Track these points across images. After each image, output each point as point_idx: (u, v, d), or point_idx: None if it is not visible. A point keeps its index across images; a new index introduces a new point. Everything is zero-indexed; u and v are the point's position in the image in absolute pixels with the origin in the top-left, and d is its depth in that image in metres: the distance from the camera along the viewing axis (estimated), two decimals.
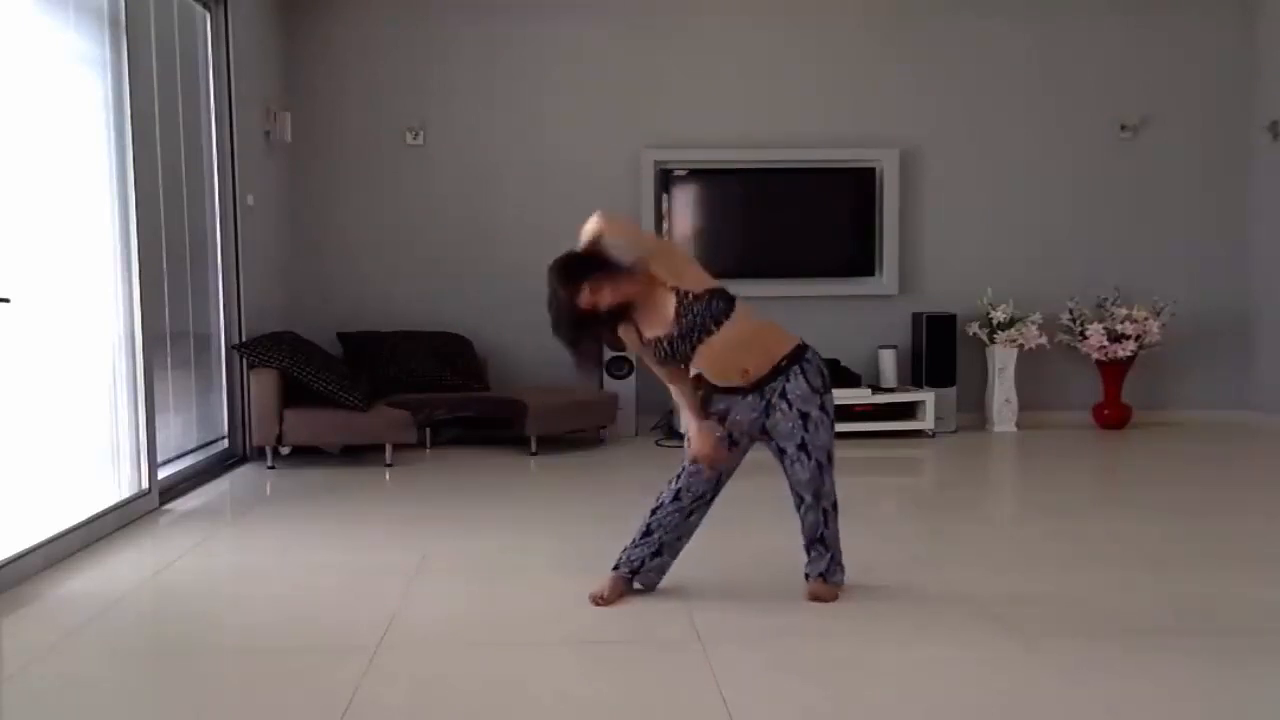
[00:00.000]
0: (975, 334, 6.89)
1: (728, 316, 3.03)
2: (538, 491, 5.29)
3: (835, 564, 3.24)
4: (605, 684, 2.65)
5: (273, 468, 5.65)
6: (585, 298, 2.96)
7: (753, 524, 4.03)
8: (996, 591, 3.33)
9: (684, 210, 6.97)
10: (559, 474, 5.62)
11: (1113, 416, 6.93)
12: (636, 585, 3.28)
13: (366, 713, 2.45)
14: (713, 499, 3.25)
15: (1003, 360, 6.87)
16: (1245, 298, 7.15)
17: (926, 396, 6.68)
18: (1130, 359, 6.82)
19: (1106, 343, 6.77)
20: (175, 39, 5.24)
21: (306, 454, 5.94)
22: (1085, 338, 6.82)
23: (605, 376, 6.64)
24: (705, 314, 3.01)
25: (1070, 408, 7.07)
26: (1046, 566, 3.67)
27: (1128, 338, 6.74)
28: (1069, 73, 7.05)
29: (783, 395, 3.11)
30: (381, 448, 5.75)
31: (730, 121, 6.92)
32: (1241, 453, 6.25)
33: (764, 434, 3.18)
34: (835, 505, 3.21)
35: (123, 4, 4.43)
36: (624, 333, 3.13)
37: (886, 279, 6.99)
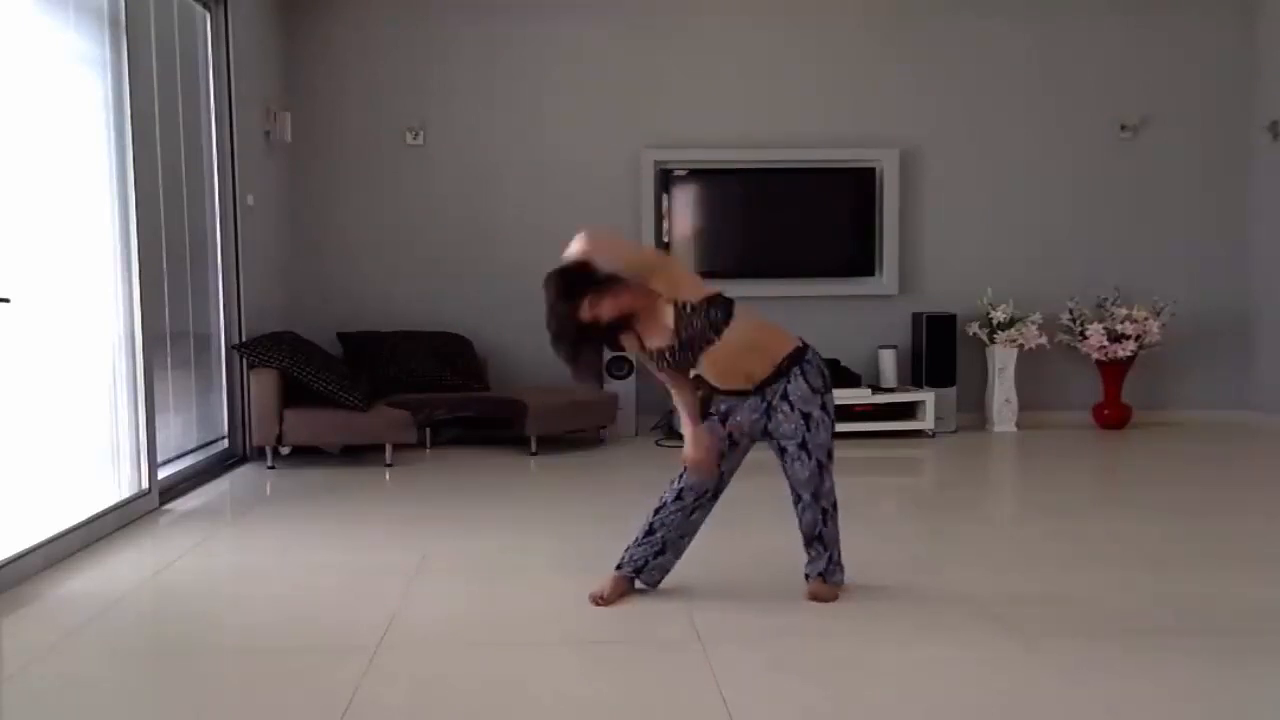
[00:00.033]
0: (975, 334, 6.89)
1: (727, 324, 3.03)
2: (538, 491, 5.29)
3: (835, 564, 3.24)
4: (605, 684, 2.65)
5: (273, 468, 5.65)
6: (586, 312, 2.95)
7: (753, 524, 4.03)
8: (996, 591, 3.33)
9: (684, 210, 6.97)
10: (559, 474, 5.62)
11: (1113, 416, 6.93)
12: (639, 585, 3.28)
13: (366, 713, 2.45)
14: (715, 497, 3.26)
15: (1003, 360, 6.87)
16: (1245, 298, 7.15)
17: (926, 396, 6.68)
18: (1130, 359, 6.82)
19: (1106, 343, 6.77)
20: (175, 39, 5.24)
21: (306, 454, 5.94)
22: (1085, 338, 6.82)
23: (605, 376, 6.64)
24: (705, 323, 3.02)
25: (1070, 408, 7.08)
26: (1046, 566, 3.67)
27: (1128, 338, 6.74)
28: (1069, 73, 7.05)
29: (784, 397, 3.12)
30: (381, 448, 5.75)
31: (730, 121, 6.92)
32: (1241, 453, 6.25)
33: (765, 434, 3.19)
34: (835, 505, 3.22)
35: (123, 4, 4.43)
36: (626, 341, 3.13)
37: (886, 279, 6.99)
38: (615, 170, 6.88)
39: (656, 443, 6.42)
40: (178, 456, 5.22)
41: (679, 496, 3.21)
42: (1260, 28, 7.03)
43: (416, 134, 6.80)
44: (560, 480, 5.48)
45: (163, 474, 4.77)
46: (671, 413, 6.38)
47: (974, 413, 7.00)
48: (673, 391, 3.20)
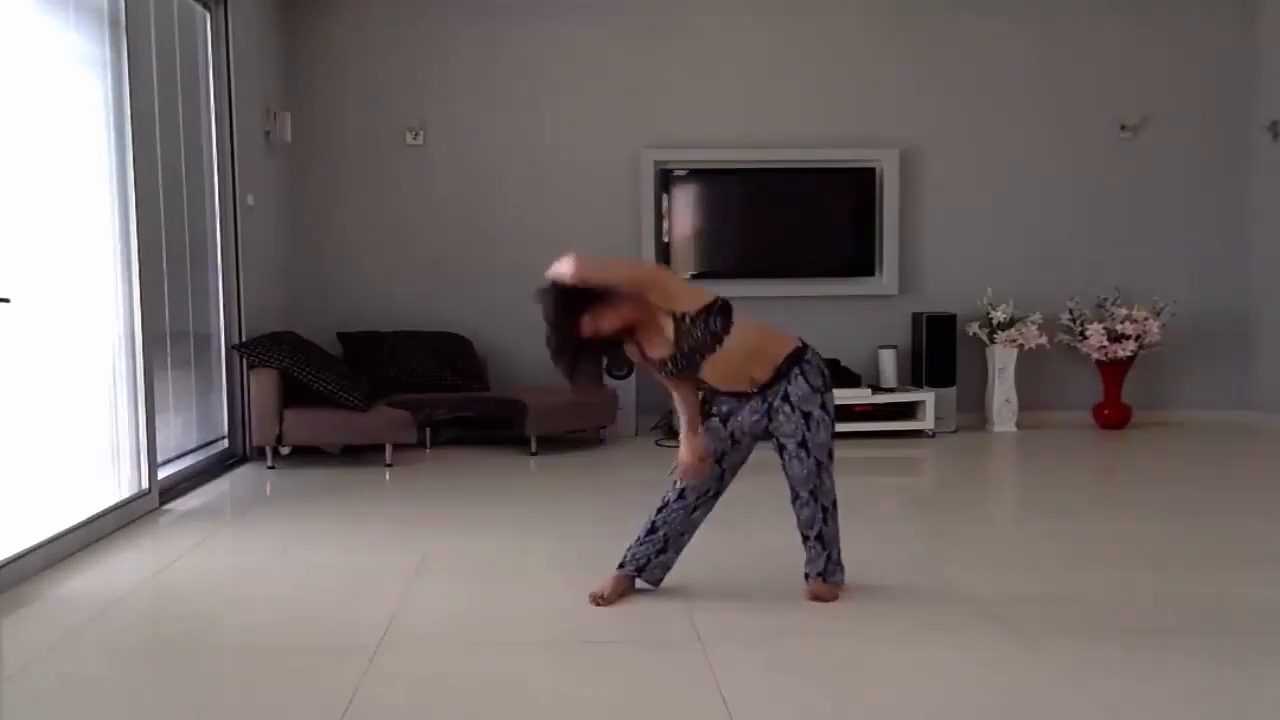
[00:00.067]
0: (975, 334, 6.89)
1: (728, 332, 3.04)
2: (538, 491, 5.29)
3: (834, 563, 3.25)
4: (605, 684, 2.65)
5: (273, 468, 5.65)
6: (588, 326, 2.95)
7: (753, 524, 4.02)
8: (996, 591, 3.33)
9: (684, 210, 6.97)
10: (559, 474, 5.62)
11: (1113, 416, 6.93)
12: (641, 584, 3.29)
13: (366, 713, 2.45)
14: (717, 496, 3.27)
15: (1003, 360, 6.87)
16: (1245, 298, 7.15)
17: (926, 396, 6.68)
18: (1130, 359, 6.82)
19: (1106, 343, 6.77)
20: (175, 39, 5.24)
21: (306, 454, 5.94)
22: (1085, 338, 6.82)
23: (605, 377, 6.63)
24: (706, 333, 3.03)
25: (1070, 408, 7.07)
26: (1046, 566, 3.67)
27: (1128, 338, 6.74)
28: (1069, 73, 7.05)
29: (785, 398, 3.12)
30: (381, 448, 5.75)
31: (730, 121, 6.92)
32: (1241, 453, 6.25)
33: (766, 433, 3.20)
34: (834, 504, 3.22)
35: (123, 4, 4.43)
36: (628, 350, 3.14)
37: (886, 279, 6.99)
38: (615, 170, 6.88)
39: (656, 443, 6.42)
40: (178, 456, 5.22)
41: (681, 495, 3.22)
42: (1260, 28, 7.03)
43: (416, 134, 6.80)
44: (560, 480, 5.48)
45: (163, 474, 4.77)
46: (671, 413, 6.38)
47: (974, 413, 7.00)
48: (675, 396, 3.21)
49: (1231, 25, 7.06)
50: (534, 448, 6.04)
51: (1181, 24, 7.05)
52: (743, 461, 3.26)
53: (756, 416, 3.16)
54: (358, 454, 5.94)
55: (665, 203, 6.91)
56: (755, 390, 3.14)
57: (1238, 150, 7.11)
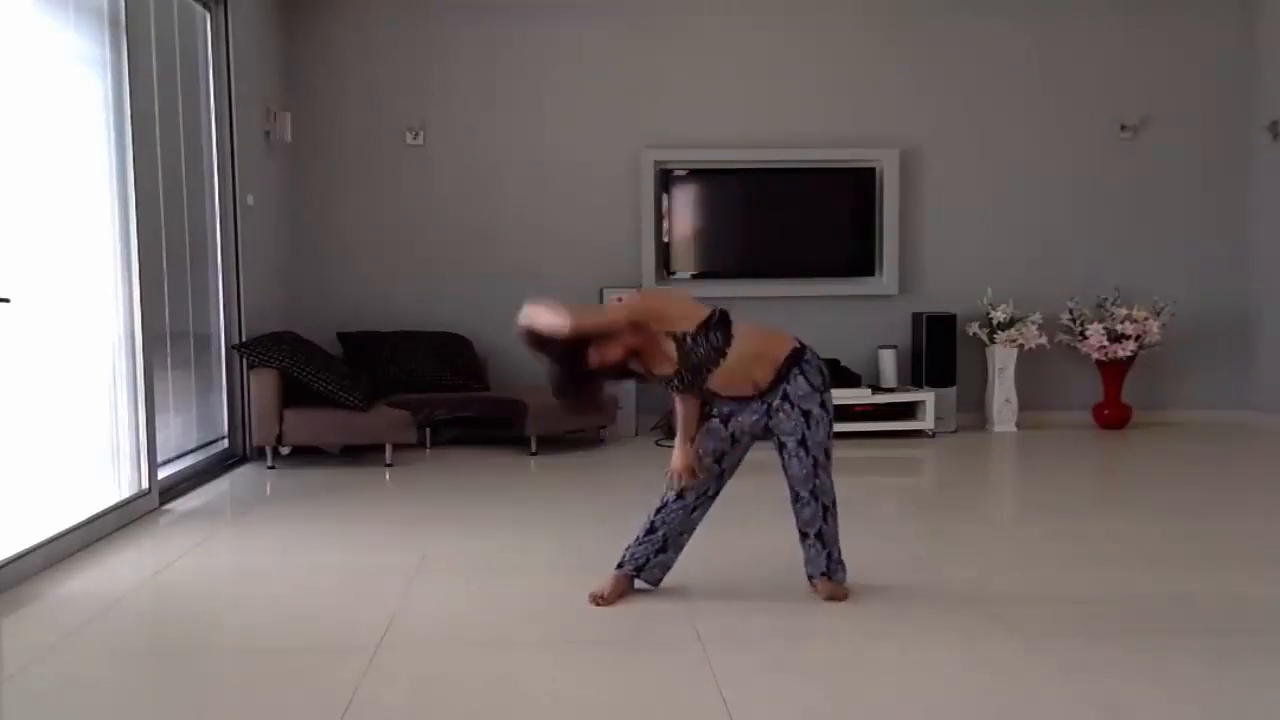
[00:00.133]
0: (975, 334, 6.89)
1: (729, 344, 3.06)
2: (538, 491, 5.29)
3: (836, 562, 3.25)
4: (605, 684, 2.65)
5: (273, 468, 5.65)
6: (594, 358, 2.96)
7: (753, 524, 4.02)
8: (996, 591, 3.33)
9: (684, 210, 6.97)
10: (559, 474, 5.62)
11: (1113, 416, 6.93)
12: (640, 583, 3.29)
13: (366, 713, 2.45)
14: (715, 495, 3.28)
15: (1003, 360, 6.87)
16: (1245, 298, 7.15)
17: (926, 396, 6.68)
18: (1130, 359, 6.82)
19: (1106, 343, 6.77)
20: (175, 39, 5.24)
21: (306, 454, 5.94)
22: (1085, 338, 6.82)
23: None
24: (709, 348, 3.05)
25: (1070, 408, 7.07)
26: (1046, 566, 3.67)
27: (1128, 338, 6.74)
28: (1069, 73, 7.05)
29: (785, 398, 3.14)
30: (381, 448, 5.75)
31: (730, 121, 6.92)
32: (1241, 453, 6.25)
33: (766, 432, 3.21)
34: (834, 503, 3.22)
35: (123, 4, 4.43)
36: (633, 366, 3.14)
37: (886, 279, 6.99)
38: (615, 170, 6.88)
39: (657, 443, 6.42)
40: (178, 456, 5.22)
41: (680, 495, 3.23)
42: (1260, 28, 7.03)
43: (416, 134, 6.80)
44: (560, 480, 5.48)
45: (163, 474, 4.77)
46: (670, 413, 6.38)
47: (974, 413, 7.00)
48: (678, 406, 3.22)
49: (1231, 25, 7.06)
50: (534, 448, 6.04)
51: (1181, 24, 7.05)
52: (740, 460, 3.27)
53: (756, 416, 3.17)
54: (358, 454, 5.94)
55: (665, 203, 6.91)
56: (756, 395, 3.15)
57: (1238, 150, 7.11)
